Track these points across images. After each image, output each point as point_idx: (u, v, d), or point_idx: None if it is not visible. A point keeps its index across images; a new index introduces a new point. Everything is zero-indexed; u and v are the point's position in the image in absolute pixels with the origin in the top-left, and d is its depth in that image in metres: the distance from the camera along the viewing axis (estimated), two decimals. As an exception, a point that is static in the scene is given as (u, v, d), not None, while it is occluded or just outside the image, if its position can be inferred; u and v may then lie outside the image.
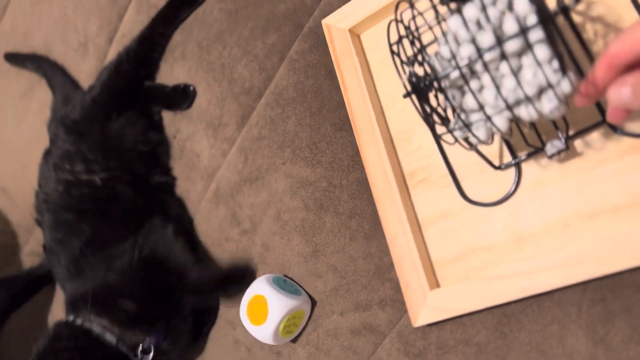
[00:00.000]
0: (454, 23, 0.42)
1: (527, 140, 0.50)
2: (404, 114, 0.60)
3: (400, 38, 0.45)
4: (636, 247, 0.44)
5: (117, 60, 0.86)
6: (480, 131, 0.43)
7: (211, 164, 0.79)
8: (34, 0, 1.08)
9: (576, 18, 0.50)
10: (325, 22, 0.66)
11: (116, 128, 0.82)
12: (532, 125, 0.50)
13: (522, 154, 0.52)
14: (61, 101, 0.96)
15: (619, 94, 0.36)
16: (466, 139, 0.46)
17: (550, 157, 0.48)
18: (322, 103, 0.67)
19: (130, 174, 0.80)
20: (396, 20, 0.45)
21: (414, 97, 0.47)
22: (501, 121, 0.43)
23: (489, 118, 0.41)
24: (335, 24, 0.65)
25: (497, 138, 0.54)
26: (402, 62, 0.45)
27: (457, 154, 0.56)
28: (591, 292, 0.48)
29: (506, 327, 0.52)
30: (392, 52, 0.44)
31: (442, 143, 0.57)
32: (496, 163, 0.53)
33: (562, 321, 0.49)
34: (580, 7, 0.50)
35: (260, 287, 0.64)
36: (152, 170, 0.82)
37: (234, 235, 0.75)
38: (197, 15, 0.82)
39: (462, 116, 0.43)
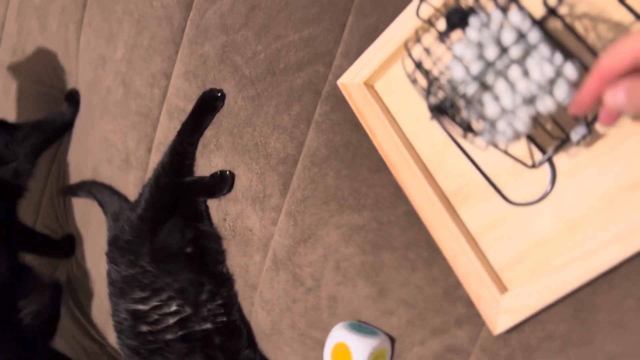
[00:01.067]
0: (459, 48, 0.48)
1: (552, 135, 0.55)
2: (431, 142, 0.66)
3: (419, 65, 0.51)
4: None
5: (155, 175, 0.94)
6: (506, 133, 0.48)
7: (264, 235, 0.84)
8: (79, 134, 1.19)
9: (566, 18, 0.56)
10: (340, 82, 0.73)
11: (161, 240, 0.88)
12: (553, 119, 0.55)
13: (550, 149, 0.56)
14: (112, 220, 1.04)
15: (614, 98, 0.39)
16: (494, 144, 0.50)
17: (577, 143, 0.52)
18: (354, 153, 0.73)
19: (184, 297, 0.85)
20: (410, 55, 0.51)
21: (436, 118, 0.52)
22: (522, 121, 0.47)
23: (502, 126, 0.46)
24: (350, 82, 0.72)
25: (524, 142, 0.58)
26: (424, 89, 0.51)
27: (490, 165, 0.60)
28: (654, 257, 0.50)
29: (583, 312, 0.54)
30: (413, 82, 0.50)
31: (475, 158, 0.61)
32: (528, 163, 0.57)
33: (635, 292, 0.51)
34: (565, 9, 0.56)
35: (338, 335, 0.67)
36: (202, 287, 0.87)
37: (300, 296, 0.78)
38: (222, 109, 0.91)
39: (487, 124, 0.48)
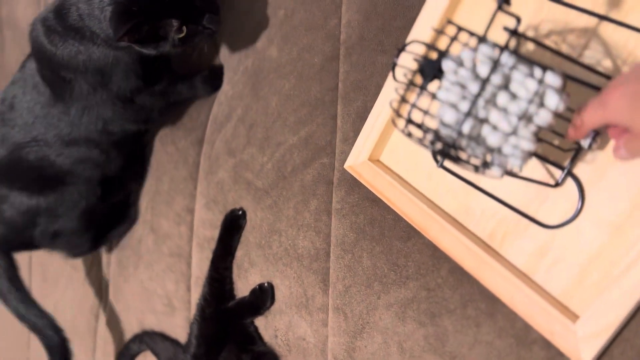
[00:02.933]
0: (442, 94, 0.50)
1: (563, 149, 0.54)
2: (451, 194, 0.65)
3: (409, 120, 0.53)
4: None
5: (199, 309, 0.94)
6: (515, 155, 0.48)
7: (318, 340, 0.81)
8: (115, 295, 1.22)
9: (537, 39, 0.58)
10: (347, 166, 0.75)
11: None
12: (558, 134, 0.55)
13: (567, 163, 0.55)
14: (167, 368, 1.02)
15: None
16: (508, 171, 0.50)
17: (590, 148, 0.52)
18: (381, 227, 0.73)
19: None
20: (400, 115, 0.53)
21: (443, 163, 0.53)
22: (526, 139, 0.48)
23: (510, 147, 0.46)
24: (355, 163, 0.74)
25: (539, 165, 0.58)
26: (422, 141, 0.52)
27: (516, 197, 0.59)
28: None
29: (669, 316, 0.50)
30: (408, 135, 0.51)
31: (498, 195, 0.60)
32: (551, 183, 0.57)
33: None
34: (532, 32, 0.58)
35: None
36: None
37: (373, 391, 0.73)
38: (246, 226, 0.93)
39: (494, 154, 0.48)
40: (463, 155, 0.50)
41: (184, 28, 0.81)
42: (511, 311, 0.60)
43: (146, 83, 0.94)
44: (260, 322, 0.90)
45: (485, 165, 0.48)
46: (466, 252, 0.62)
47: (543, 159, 0.56)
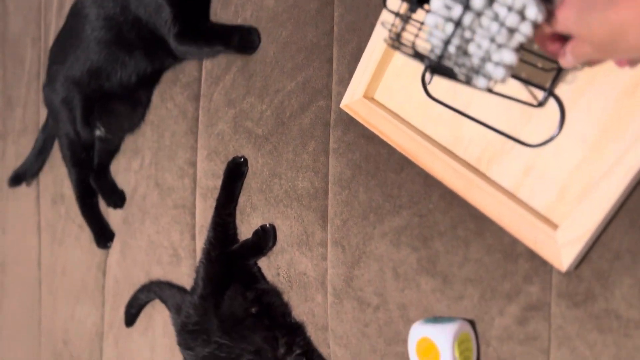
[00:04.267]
0: (430, 18, 0.53)
1: (545, 69, 0.58)
2: (441, 124, 0.69)
3: (399, 35, 0.56)
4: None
5: (204, 252, 0.98)
6: (498, 70, 0.51)
7: (318, 273, 0.85)
8: (123, 251, 1.26)
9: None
10: (342, 105, 0.79)
11: (225, 311, 0.91)
12: (541, 56, 0.58)
13: (547, 84, 0.59)
14: (175, 312, 1.07)
15: (566, 62, 0.49)
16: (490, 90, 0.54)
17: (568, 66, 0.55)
18: (376, 162, 0.77)
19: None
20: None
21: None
22: (509, 54, 0.51)
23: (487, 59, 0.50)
24: (351, 101, 0.77)
25: (523, 89, 0.61)
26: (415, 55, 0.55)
27: (500, 121, 0.63)
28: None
29: (639, 219, 0.54)
30: (398, 48, 0.55)
31: (484, 120, 0.64)
32: (534, 103, 0.60)
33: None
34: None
35: (418, 333, 0.66)
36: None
37: (370, 317, 0.78)
38: (248, 173, 0.96)
39: (480, 66, 0.52)
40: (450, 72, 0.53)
41: None
42: (498, 229, 0.64)
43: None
44: (263, 262, 0.95)
45: (471, 76, 0.51)
46: (456, 176, 0.66)
47: (526, 81, 0.60)
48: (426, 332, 0.65)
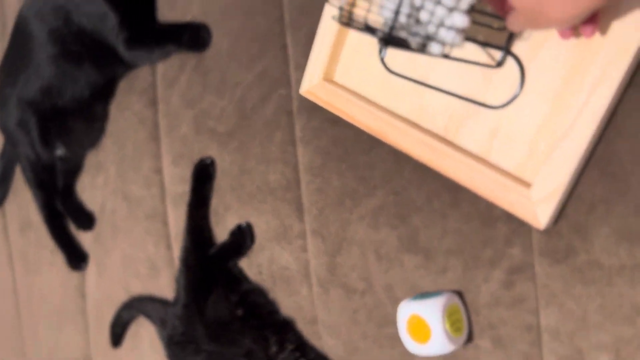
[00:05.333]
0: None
1: (501, 29, 0.57)
2: (403, 98, 0.68)
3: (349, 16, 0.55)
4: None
5: (182, 260, 0.96)
6: (451, 33, 0.50)
7: (301, 265, 0.84)
8: (99, 271, 1.22)
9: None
10: (302, 92, 0.77)
11: (211, 317, 0.89)
12: (496, 16, 0.57)
13: (503, 44, 0.58)
14: (161, 326, 1.04)
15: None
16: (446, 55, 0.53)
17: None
18: (344, 145, 0.75)
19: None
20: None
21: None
22: (460, 17, 0.50)
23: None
24: (310, 85, 0.75)
25: (481, 52, 0.61)
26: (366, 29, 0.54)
27: (461, 86, 0.62)
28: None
29: (608, 167, 0.54)
30: (347, 24, 0.53)
31: (445, 88, 0.63)
32: (492, 64, 0.59)
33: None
34: None
35: (405, 311, 0.66)
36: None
37: (358, 303, 0.77)
38: (217, 173, 0.94)
39: (433, 32, 0.51)
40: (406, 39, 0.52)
41: None
42: (473, 196, 0.63)
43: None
44: (243, 263, 0.92)
45: (426, 44, 0.50)
46: (424, 148, 0.65)
47: (482, 43, 0.59)
48: (414, 309, 0.64)
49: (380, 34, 0.51)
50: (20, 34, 1.09)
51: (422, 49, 0.51)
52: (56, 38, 1.03)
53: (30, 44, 1.06)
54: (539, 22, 0.46)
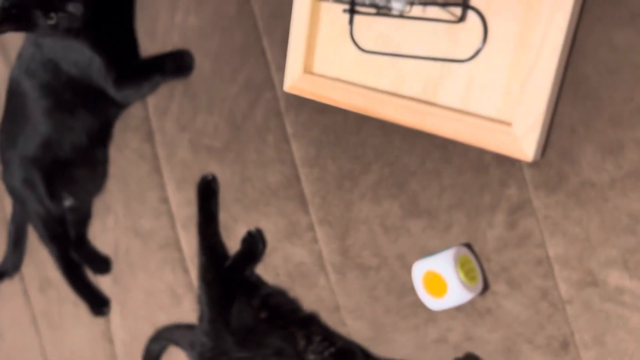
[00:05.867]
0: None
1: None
2: (380, 71, 0.71)
3: None
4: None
5: (200, 279, 0.98)
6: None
7: (315, 257, 0.86)
8: (123, 312, 1.24)
9: None
10: (286, 88, 0.81)
11: (236, 325, 0.90)
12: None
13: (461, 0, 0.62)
14: (190, 348, 1.05)
15: None
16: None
17: None
18: (335, 131, 0.79)
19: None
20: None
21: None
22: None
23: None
24: (293, 80, 0.79)
25: (441, 12, 0.65)
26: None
27: (430, 48, 0.66)
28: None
29: (581, 89, 0.57)
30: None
31: (414, 53, 0.67)
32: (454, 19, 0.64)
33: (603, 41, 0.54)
34: None
35: (419, 270, 0.68)
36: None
37: (374, 279, 0.79)
38: (221, 188, 0.97)
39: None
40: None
41: (53, 15, 0.91)
42: (462, 149, 0.66)
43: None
44: (260, 269, 0.95)
45: (388, 6, 0.54)
46: (409, 113, 0.68)
47: (442, 4, 0.63)
48: (426, 266, 0.66)
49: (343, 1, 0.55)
50: (14, 95, 1.14)
51: (385, 9, 0.55)
52: (48, 91, 1.08)
53: (25, 102, 1.11)
54: None
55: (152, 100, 1.06)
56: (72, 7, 0.92)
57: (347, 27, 0.70)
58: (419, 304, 0.75)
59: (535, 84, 0.58)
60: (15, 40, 1.34)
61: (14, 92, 1.14)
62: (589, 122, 0.57)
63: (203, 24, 0.93)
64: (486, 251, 0.67)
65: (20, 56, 1.11)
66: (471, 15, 0.63)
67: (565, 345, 0.63)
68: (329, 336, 0.86)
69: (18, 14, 0.91)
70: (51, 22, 0.92)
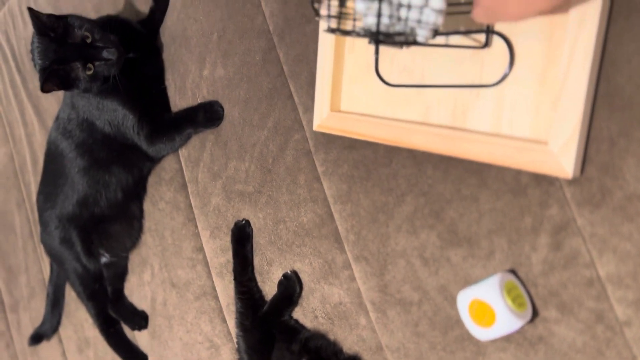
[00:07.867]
0: (359, 4, 0.58)
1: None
2: (407, 103, 0.72)
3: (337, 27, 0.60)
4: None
5: (239, 325, 0.97)
6: (432, 16, 0.55)
7: (353, 296, 0.84)
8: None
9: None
10: (315, 128, 0.82)
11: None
12: (467, 3, 0.63)
13: (484, 27, 0.63)
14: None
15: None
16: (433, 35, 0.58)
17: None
18: (365, 165, 0.79)
19: None
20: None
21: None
22: (438, 1, 0.56)
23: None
24: (322, 119, 0.81)
25: (467, 40, 0.66)
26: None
27: (456, 76, 0.67)
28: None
29: (616, 101, 0.56)
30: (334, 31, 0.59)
31: (442, 82, 0.67)
32: (479, 45, 0.64)
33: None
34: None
35: (464, 299, 0.65)
36: None
37: (417, 314, 0.76)
38: (254, 232, 0.97)
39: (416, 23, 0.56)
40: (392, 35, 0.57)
41: (91, 66, 0.95)
42: (497, 172, 0.65)
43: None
44: (297, 313, 0.93)
45: (412, 36, 0.56)
46: (439, 140, 0.68)
47: (465, 32, 0.64)
48: (472, 295, 0.64)
49: (367, 34, 0.57)
50: (52, 156, 1.19)
51: (410, 40, 0.56)
52: (84, 150, 1.12)
53: (62, 163, 1.15)
54: (498, 18, 0.53)
55: (184, 152, 1.09)
56: (106, 54, 0.96)
57: (371, 64, 0.71)
58: (466, 338, 0.72)
59: (568, 99, 0.57)
60: (49, 103, 1.41)
61: (52, 153, 1.18)
62: (628, 133, 0.56)
63: (230, 74, 0.96)
64: (532, 276, 0.65)
65: (57, 118, 1.16)
66: (495, 40, 0.63)
67: (628, 372, 0.59)
68: None
69: (58, 69, 0.95)
70: (89, 72, 0.96)
